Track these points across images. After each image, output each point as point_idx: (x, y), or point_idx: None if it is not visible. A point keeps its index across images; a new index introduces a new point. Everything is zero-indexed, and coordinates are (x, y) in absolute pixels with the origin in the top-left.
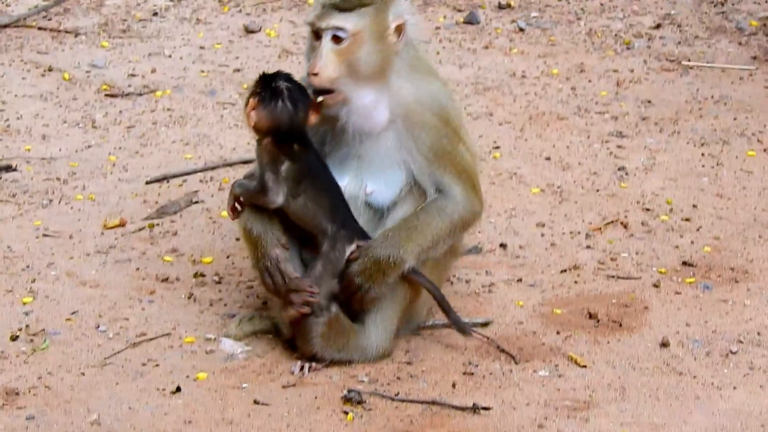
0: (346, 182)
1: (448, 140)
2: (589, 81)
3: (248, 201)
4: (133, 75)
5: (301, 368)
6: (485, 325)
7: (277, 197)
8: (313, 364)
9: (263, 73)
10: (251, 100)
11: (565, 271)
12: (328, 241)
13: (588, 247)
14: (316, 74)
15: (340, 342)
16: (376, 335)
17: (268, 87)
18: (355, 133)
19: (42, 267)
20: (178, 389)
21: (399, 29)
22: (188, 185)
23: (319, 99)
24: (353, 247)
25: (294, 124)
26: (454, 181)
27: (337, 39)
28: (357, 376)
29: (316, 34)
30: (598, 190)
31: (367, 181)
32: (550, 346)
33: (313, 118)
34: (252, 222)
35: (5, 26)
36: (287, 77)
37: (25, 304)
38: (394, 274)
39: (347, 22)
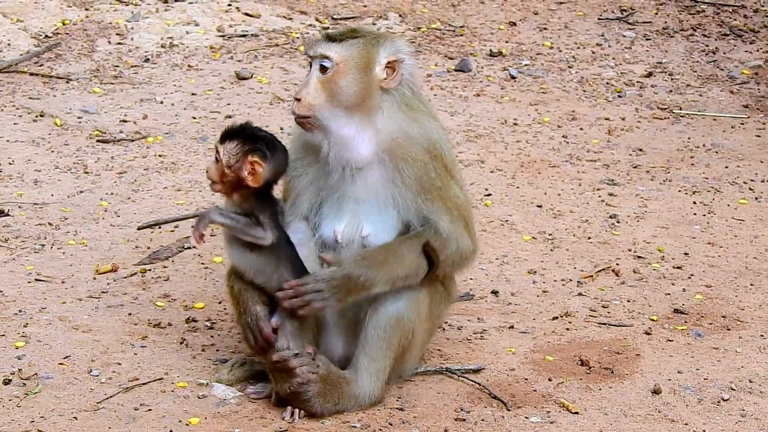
0: (344, 225)
1: (437, 175)
2: (581, 129)
3: (234, 234)
4: (124, 121)
5: (292, 414)
6: (477, 371)
7: (268, 235)
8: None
9: (229, 128)
10: (251, 157)
11: (557, 318)
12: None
13: (580, 294)
14: (299, 99)
15: (336, 395)
16: (368, 383)
17: (258, 140)
18: (339, 165)
19: (34, 311)
20: None
21: (392, 66)
22: (180, 231)
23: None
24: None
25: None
26: (443, 217)
27: (323, 68)
28: (349, 422)
29: (310, 64)
30: (589, 238)
31: (364, 224)
32: (542, 393)
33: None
34: (235, 279)
35: None
36: (255, 127)
37: (17, 348)
38: (359, 295)
39: (333, 51)
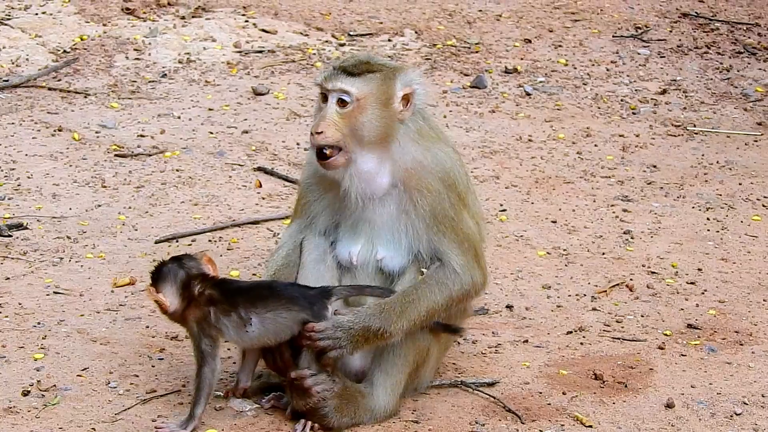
0: (359, 247)
1: (450, 205)
2: (595, 145)
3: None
4: (142, 136)
5: (304, 426)
6: (492, 385)
7: (254, 326)
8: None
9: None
10: (149, 295)
11: (571, 332)
12: (308, 313)
13: (594, 309)
14: (319, 133)
15: (352, 409)
16: (384, 397)
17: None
18: (358, 197)
19: (53, 324)
20: None
21: (406, 98)
22: (197, 245)
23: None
24: (331, 309)
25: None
26: (454, 251)
27: (342, 102)
28: None
29: (324, 96)
30: (603, 254)
31: (378, 247)
32: (556, 407)
33: None
34: None
35: (16, 86)
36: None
37: (36, 360)
38: (376, 344)
39: (353, 86)
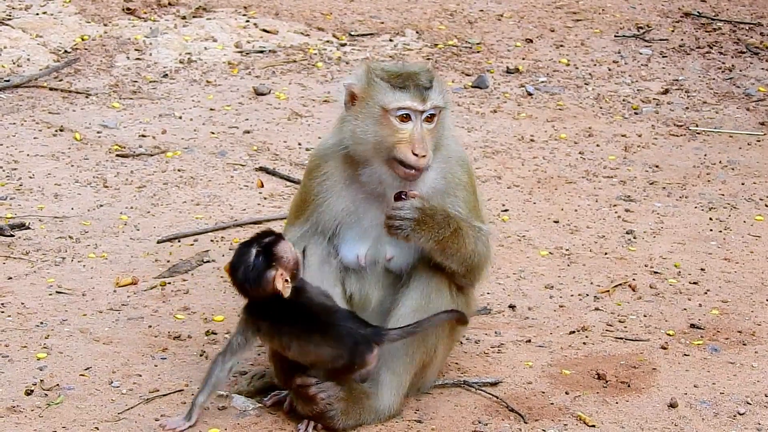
0: (366, 249)
1: (473, 195)
2: (597, 145)
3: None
4: (143, 136)
5: (307, 426)
6: (495, 384)
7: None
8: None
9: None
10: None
11: (574, 332)
12: (347, 358)
13: (596, 309)
14: (424, 156)
15: (357, 411)
16: (388, 397)
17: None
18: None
19: (55, 323)
20: None
21: None
22: (199, 245)
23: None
24: (375, 352)
25: None
26: (482, 228)
27: (430, 117)
28: None
29: (403, 117)
30: (606, 254)
31: (387, 247)
32: (559, 406)
33: None
34: None
35: (17, 86)
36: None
37: (39, 359)
38: (432, 238)
39: (440, 99)
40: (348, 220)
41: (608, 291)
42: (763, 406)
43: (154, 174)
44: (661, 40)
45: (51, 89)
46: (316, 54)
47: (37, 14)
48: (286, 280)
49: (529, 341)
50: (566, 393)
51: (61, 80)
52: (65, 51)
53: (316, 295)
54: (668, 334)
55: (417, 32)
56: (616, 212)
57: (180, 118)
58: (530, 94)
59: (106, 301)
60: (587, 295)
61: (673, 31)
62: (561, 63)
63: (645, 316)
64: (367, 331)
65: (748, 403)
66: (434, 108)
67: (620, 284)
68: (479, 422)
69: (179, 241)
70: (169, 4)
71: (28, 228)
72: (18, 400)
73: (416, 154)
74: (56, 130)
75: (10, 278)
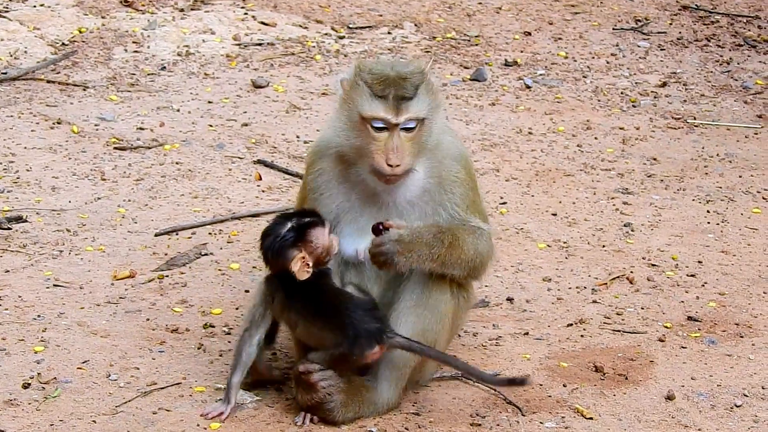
0: (365, 243)
1: (472, 190)
2: (595, 138)
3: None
4: (141, 128)
5: (304, 418)
6: None
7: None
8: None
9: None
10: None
11: (572, 325)
12: (346, 348)
13: (594, 301)
14: (398, 166)
15: (357, 404)
16: (388, 391)
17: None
18: (402, 202)
19: (53, 317)
20: None
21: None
22: (197, 238)
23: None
24: (375, 349)
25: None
26: (482, 224)
27: (407, 128)
28: (365, 426)
29: (379, 127)
30: (604, 246)
31: None
32: (557, 399)
33: None
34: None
35: (14, 79)
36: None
37: (36, 352)
38: (424, 260)
39: (418, 111)
40: (345, 215)
41: (606, 283)
42: (759, 398)
43: (151, 167)
44: (659, 33)
45: (48, 82)
46: (314, 47)
47: (35, 6)
48: (308, 264)
49: (527, 334)
50: (564, 385)
51: (58, 73)
52: (63, 43)
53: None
54: (665, 327)
55: (415, 25)
56: (613, 205)
57: (178, 110)
58: (528, 87)
59: (103, 294)
60: (585, 287)
61: (671, 24)
62: (559, 56)
63: (642, 308)
64: (372, 327)
65: (745, 395)
66: (412, 120)
67: (618, 277)
68: (477, 415)
69: (177, 234)
70: None
71: (26, 221)
72: (15, 393)
73: (390, 165)
74: (54, 123)
75: (8, 271)
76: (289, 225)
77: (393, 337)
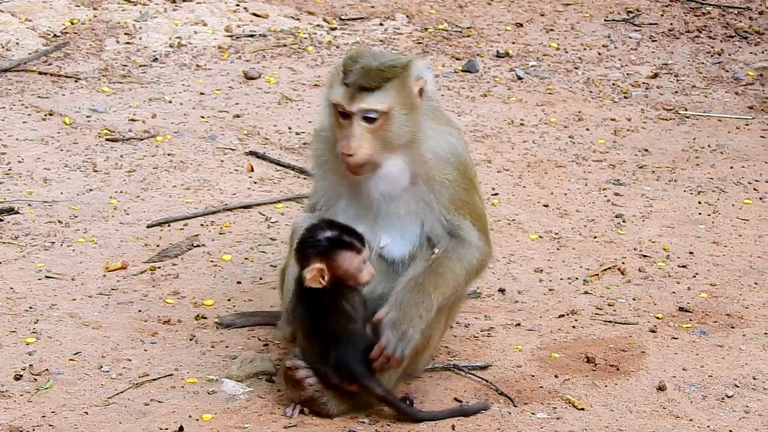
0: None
1: (465, 190)
2: (587, 129)
3: None
4: (133, 120)
5: (293, 409)
6: (484, 368)
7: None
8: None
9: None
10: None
11: (563, 316)
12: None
13: (586, 292)
14: (351, 155)
15: (349, 398)
16: (381, 383)
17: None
18: (380, 196)
19: (45, 308)
20: (181, 429)
21: (421, 90)
22: (189, 229)
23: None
24: (353, 386)
25: None
26: (471, 228)
27: (368, 119)
28: (357, 417)
29: (343, 114)
30: (595, 237)
31: (382, 235)
32: (548, 389)
33: None
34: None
35: (6, 70)
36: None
37: (28, 344)
38: (426, 320)
39: (377, 103)
40: (339, 201)
41: (597, 274)
42: (751, 389)
43: (143, 158)
44: (650, 24)
45: (40, 73)
46: (306, 38)
47: None
48: (323, 277)
49: (519, 325)
50: (555, 376)
51: (50, 64)
52: (54, 35)
53: (358, 311)
54: (657, 318)
55: (407, 16)
56: (605, 196)
57: (170, 102)
58: (520, 78)
59: (95, 286)
60: (576, 278)
61: (662, 15)
62: (551, 47)
63: (634, 299)
64: (357, 369)
65: (736, 385)
66: (368, 111)
67: (609, 268)
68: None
69: (169, 226)
70: None
71: (17, 212)
72: (7, 384)
73: (344, 153)
74: (45, 115)
75: None
76: (328, 234)
77: (373, 388)
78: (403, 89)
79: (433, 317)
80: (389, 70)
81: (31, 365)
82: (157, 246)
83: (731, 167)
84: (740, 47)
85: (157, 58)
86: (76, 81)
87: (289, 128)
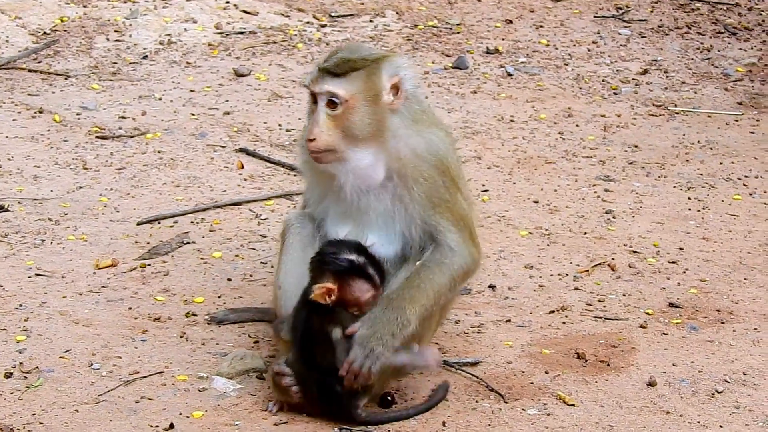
0: (347, 232)
1: (446, 189)
2: (577, 125)
3: None
4: (123, 117)
5: (275, 404)
6: (475, 364)
7: None
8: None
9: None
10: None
11: (553, 312)
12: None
13: (576, 288)
14: (312, 140)
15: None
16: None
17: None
18: (353, 191)
19: (35, 306)
20: (171, 426)
21: (396, 87)
22: (179, 226)
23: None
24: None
25: None
26: (451, 230)
27: (332, 104)
28: None
29: (314, 97)
30: (585, 233)
31: (368, 233)
32: (539, 386)
33: None
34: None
35: None
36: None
37: (18, 342)
38: (402, 336)
39: (340, 88)
40: (327, 200)
41: (587, 270)
42: (741, 384)
43: (133, 156)
44: (640, 20)
45: (30, 71)
46: (296, 35)
47: None
48: (330, 296)
49: (509, 321)
50: (546, 372)
51: (40, 62)
52: (44, 32)
53: (340, 345)
54: (647, 313)
55: (397, 13)
56: (595, 192)
57: (160, 99)
58: (510, 75)
59: (85, 283)
60: (567, 274)
61: (651, 11)
62: (541, 43)
63: (624, 295)
64: (334, 398)
65: (726, 381)
66: (327, 93)
67: (599, 264)
68: (459, 402)
69: (159, 223)
70: None
71: (7, 210)
72: None
73: (307, 139)
74: (35, 112)
75: None
76: (352, 257)
77: (354, 414)
78: (369, 81)
79: (414, 329)
80: (359, 61)
81: (21, 363)
82: (147, 243)
83: (721, 163)
84: (729, 43)
85: (147, 56)
86: (66, 78)
87: (279, 125)
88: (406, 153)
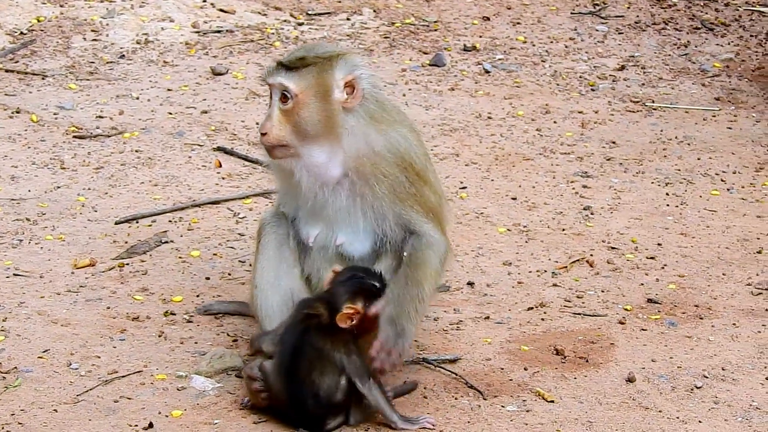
0: (317, 232)
1: (411, 184)
2: (554, 122)
3: None
4: (101, 117)
5: (245, 398)
6: (454, 361)
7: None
8: None
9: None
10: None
11: (532, 308)
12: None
13: (554, 285)
14: (265, 134)
15: None
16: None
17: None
18: (309, 188)
19: (13, 306)
20: (151, 425)
21: (351, 84)
22: (157, 225)
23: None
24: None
25: None
26: (423, 221)
27: (284, 98)
28: None
29: (270, 93)
30: (563, 230)
31: (338, 232)
32: (518, 382)
33: None
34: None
35: None
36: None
37: None
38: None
39: (291, 82)
40: (299, 201)
41: (566, 267)
42: (719, 380)
43: (111, 155)
44: (617, 16)
45: (7, 71)
46: (273, 33)
47: None
48: (353, 318)
49: (488, 318)
50: (525, 369)
51: (17, 62)
52: (21, 32)
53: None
54: (626, 309)
55: (374, 11)
56: (573, 188)
57: (137, 98)
58: (487, 72)
59: (63, 283)
60: (545, 271)
61: (628, 7)
62: (518, 40)
63: (603, 291)
64: (316, 415)
65: (705, 376)
66: (279, 86)
67: (578, 260)
68: (438, 399)
69: (137, 222)
70: None
71: None
72: None
73: (261, 132)
74: (12, 112)
75: None
76: (372, 282)
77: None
78: (320, 78)
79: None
80: (312, 57)
81: None
82: (126, 243)
83: (698, 159)
84: (706, 39)
85: (124, 55)
86: (43, 78)
87: (257, 123)
88: (365, 151)
